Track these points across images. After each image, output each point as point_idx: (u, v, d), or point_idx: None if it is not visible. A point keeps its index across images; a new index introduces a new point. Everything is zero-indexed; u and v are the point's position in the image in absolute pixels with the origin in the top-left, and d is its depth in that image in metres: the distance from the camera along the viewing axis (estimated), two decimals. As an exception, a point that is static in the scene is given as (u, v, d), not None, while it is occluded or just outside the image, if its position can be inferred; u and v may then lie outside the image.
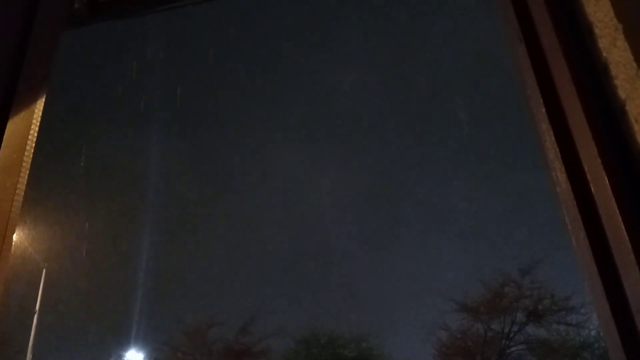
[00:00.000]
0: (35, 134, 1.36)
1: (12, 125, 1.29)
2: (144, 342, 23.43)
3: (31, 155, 1.34)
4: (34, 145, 1.35)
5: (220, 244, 29.74)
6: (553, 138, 1.06)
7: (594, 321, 19.01)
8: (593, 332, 19.36)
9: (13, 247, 1.26)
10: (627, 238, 0.86)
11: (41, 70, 1.43)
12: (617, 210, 0.88)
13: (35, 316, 17.98)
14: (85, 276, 23.49)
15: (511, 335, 20.43)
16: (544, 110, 1.09)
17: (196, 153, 31.96)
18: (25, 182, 1.31)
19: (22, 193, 1.29)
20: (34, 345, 17.79)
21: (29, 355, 17.62)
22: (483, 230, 26.31)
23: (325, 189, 30.18)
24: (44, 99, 1.41)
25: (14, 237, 1.26)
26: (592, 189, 0.97)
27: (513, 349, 20.49)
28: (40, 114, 1.39)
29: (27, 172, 1.32)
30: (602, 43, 0.98)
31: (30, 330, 17.79)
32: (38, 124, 1.38)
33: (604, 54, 0.97)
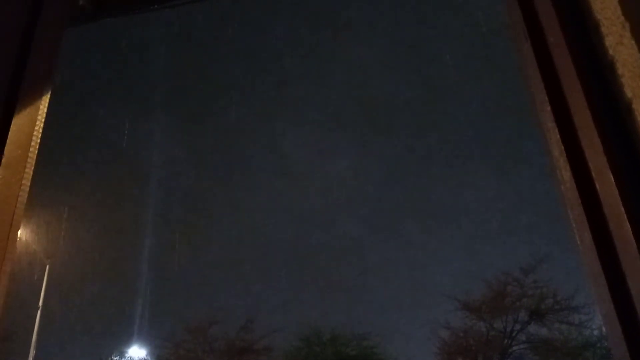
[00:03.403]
0: (40, 130, 1.37)
1: (17, 121, 1.29)
2: (147, 339, 23.57)
3: (36, 151, 1.34)
4: (39, 141, 1.36)
5: (223, 241, 29.81)
6: (558, 136, 1.05)
7: (596, 321, 18.99)
8: (595, 332, 19.35)
9: (17, 243, 1.27)
10: (632, 237, 0.85)
11: (46, 66, 1.43)
12: (623, 209, 0.88)
13: (39, 312, 18.04)
14: (88, 272, 23.58)
15: (513, 334, 20.40)
16: (549, 108, 1.09)
17: (201, 145, 31.88)
18: (30, 177, 1.31)
19: (27, 189, 1.29)
20: (37, 341, 17.87)
21: (32, 351, 17.69)
22: (486, 228, 26.30)
23: (332, 185, 30.15)
24: (49, 95, 1.42)
25: (18, 232, 1.27)
26: (597, 188, 0.97)
27: (515, 348, 20.48)
28: (45, 109, 1.39)
29: (32, 168, 1.32)
30: (609, 41, 0.97)
31: (34, 325, 17.86)
32: (43, 119, 1.38)
33: (611, 52, 0.97)
